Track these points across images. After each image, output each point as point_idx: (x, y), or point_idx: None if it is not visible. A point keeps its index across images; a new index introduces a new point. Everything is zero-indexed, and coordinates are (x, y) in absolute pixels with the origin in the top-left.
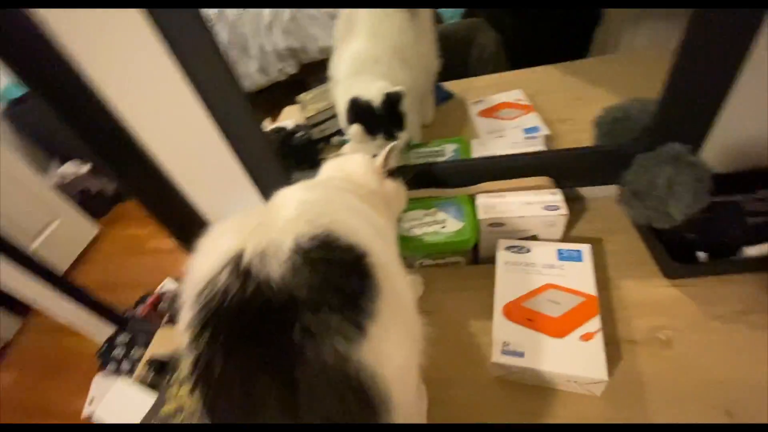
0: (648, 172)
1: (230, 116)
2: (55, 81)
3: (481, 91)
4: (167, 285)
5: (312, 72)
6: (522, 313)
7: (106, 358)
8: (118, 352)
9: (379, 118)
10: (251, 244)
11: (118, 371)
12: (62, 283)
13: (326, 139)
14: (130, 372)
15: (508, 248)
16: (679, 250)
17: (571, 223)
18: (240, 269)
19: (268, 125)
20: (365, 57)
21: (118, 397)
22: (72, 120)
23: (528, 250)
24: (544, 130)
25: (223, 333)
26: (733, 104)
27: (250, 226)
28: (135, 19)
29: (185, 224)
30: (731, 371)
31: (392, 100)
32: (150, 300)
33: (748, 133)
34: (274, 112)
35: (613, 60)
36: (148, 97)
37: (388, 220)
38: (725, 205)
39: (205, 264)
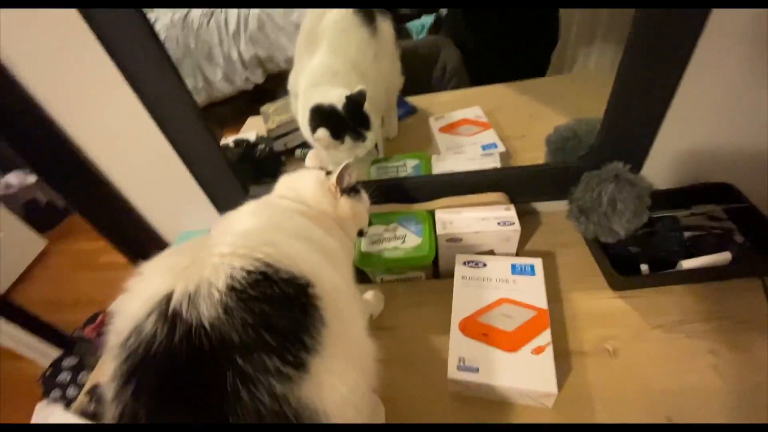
0: (593, 189)
1: (183, 131)
2: None
3: (443, 106)
4: None
5: (278, 82)
6: (478, 328)
7: (50, 384)
8: (64, 376)
9: (344, 120)
10: (181, 285)
11: (64, 398)
12: (1, 303)
13: (289, 151)
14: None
15: (466, 263)
16: (624, 263)
17: (525, 237)
18: (168, 314)
19: (230, 136)
20: (324, 69)
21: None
22: (6, 128)
23: (484, 265)
24: (501, 147)
25: (149, 385)
26: (670, 125)
27: (182, 265)
28: (76, 24)
29: (137, 239)
30: (671, 379)
31: (355, 101)
32: (100, 318)
33: (684, 151)
34: (239, 122)
35: (567, 79)
36: (93, 106)
37: (341, 241)
38: (664, 220)
39: (130, 309)
